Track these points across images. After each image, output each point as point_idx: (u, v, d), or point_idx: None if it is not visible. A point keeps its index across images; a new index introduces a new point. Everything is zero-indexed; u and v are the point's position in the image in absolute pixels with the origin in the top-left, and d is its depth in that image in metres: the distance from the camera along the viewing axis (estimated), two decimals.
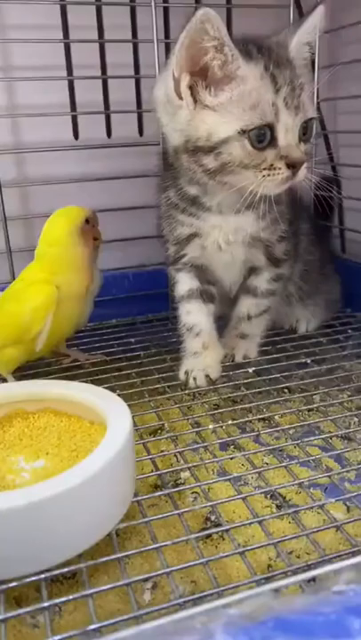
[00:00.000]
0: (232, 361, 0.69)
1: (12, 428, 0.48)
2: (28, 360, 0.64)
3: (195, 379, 0.65)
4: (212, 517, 0.46)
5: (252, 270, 0.68)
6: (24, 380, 0.61)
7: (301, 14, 0.85)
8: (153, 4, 0.74)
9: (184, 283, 0.67)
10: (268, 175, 0.52)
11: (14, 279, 0.78)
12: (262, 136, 0.51)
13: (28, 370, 0.67)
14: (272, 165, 0.52)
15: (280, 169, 0.52)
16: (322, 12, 0.57)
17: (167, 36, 0.80)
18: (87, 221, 0.63)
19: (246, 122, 0.51)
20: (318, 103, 0.87)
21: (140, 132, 0.84)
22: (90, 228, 0.64)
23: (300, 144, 0.53)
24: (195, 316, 0.67)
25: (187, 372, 0.66)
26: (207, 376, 0.65)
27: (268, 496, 0.49)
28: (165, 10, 0.80)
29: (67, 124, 0.81)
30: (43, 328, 0.59)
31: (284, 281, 0.70)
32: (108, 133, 0.83)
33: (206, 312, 0.67)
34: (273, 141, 0.52)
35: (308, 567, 0.38)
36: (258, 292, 0.68)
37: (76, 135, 0.81)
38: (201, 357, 0.66)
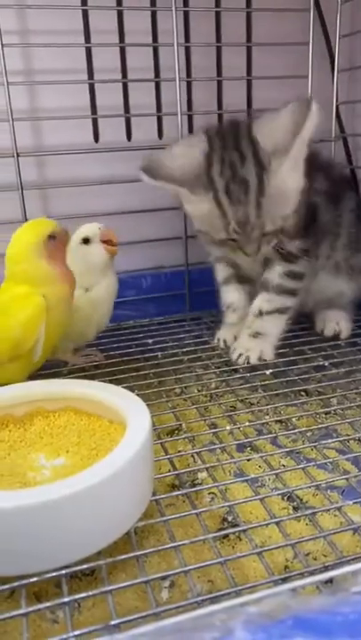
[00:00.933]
0: (247, 363, 0.69)
1: (32, 427, 0.49)
2: (30, 372, 0.61)
3: (229, 345, 0.74)
4: (230, 518, 0.47)
5: (266, 262, 0.70)
6: (44, 380, 0.62)
7: (322, 18, 0.85)
8: (174, 8, 0.75)
9: (220, 271, 0.77)
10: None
11: None
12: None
13: (49, 369, 0.68)
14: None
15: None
16: (315, 115, 0.58)
17: (187, 39, 0.81)
18: (53, 237, 0.58)
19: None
20: (337, 106, 0.87)
21: (160, 134, 0.85)
22: (55, 244, 0.59)
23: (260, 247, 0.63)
24: (231, 295, 0.76)
25: (218, 339, 0.76)
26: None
27: (286, 498, 0.49)
28: (186, 14, 0.80)
29: (87, 127, 0.82)
30: (37, 339, 0.57)
31: (302, 280, 0.71)
32: (128, 136, 0.84)
33: (242, 291, 0.76)
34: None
35: (326, 568, 0.39)
36: (270, 286, 0.70)
37: (96, 138, 0.82)
38: (236, 328, 0.75)
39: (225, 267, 0.76)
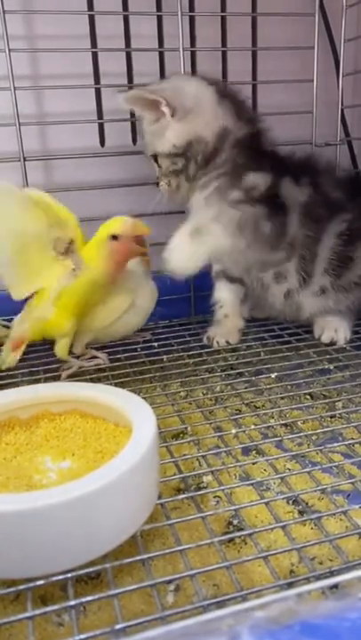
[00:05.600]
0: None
1: (38, 429, 0.49)
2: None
3: (217, 342, 0.77)
4: (235, 521, 0.47)
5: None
6: (50, 382, 0.62)
7: (327, 22, 0.86)
8: (179, 12, 0.75)
9: (214, 264, 0.79)
10: None
11: None
12: None
13: (55, 372, 0.68)
14: None
15: None
16: None
17: (193, 44, 0.81)
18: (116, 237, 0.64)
19: None
20: (342, 110, 0.87)
21: None
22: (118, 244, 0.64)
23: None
24: (219, 292, 0.79)
25: (208, 338, 0.78)
26: (227, 341, 0.77)
27: (291, 501, 0.49)
28: (191, 18, 0.81)
29: (93, 132, 0.82)
30: None
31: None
32: (134, 140, 0.84)
33: (230, 290, 0.78)
34: None
35: (331, 573, 0.39)
36: None
37: (102, 142, 0.83)
38: (222, 324, 0.78)
39: (215, 261, 0.77)
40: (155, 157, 0.73)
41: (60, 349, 0.67)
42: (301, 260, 0.72)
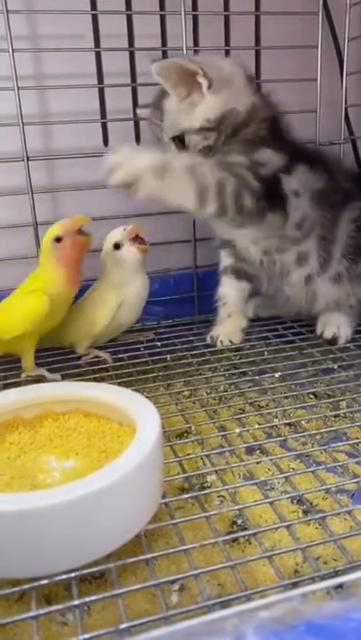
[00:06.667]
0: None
1: (42, 429, 0.49)
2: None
3: (221, 342, 0.76)
4: (239, 521, 0.47)
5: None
6: (54, 382, 0.62)
7: (330, 20, 0.86)
8: (183, 12, 0.75)
9: (222, 259, 0.79)
10: None
11: None
12: None
13: (58, 371, 0.68)
14: None
15: None
16: None
17: (196, 43, 0.81)
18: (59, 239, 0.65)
19: None
20: (346, 109, 0.87)
21: None
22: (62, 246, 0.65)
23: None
24: (223, 288, 0.79)
25: (212, 337, 0.77)
26: (230, 341, 0.76)
27: (295, 501, 0.49)
28: (195, 18, 0.81)
29: (97, 131, 0.82)
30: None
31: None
32: (137, 140, 0.84)
33: (236, 287, 0.78)
34: None
35: (336, 573, 0.38)
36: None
37: (105, 142, 0.83)
38: (225, 324, 0.77)
39: (226, 255, 0.77)
40: (178, 138, 0.70)
41: (25, 364, 0.67)
42: (322, 239, 0.72)
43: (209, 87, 0.67)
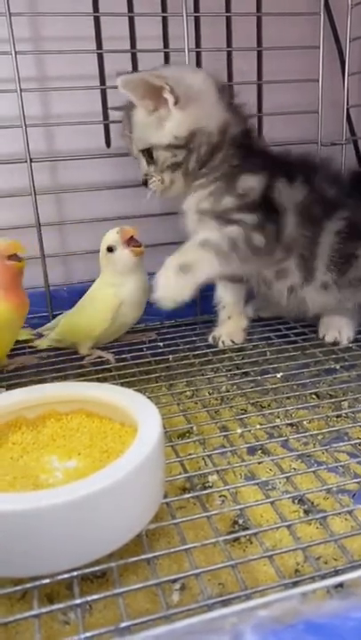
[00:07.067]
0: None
1: (45, 429, 0.50)
2: None
3: (223, 342, 0.77)
4: (240, 521, 0.47)
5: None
6: (57, 382, 0.62)
7: (332, 21, 0.86)
8: (184, 13, 0.76)
9: None
10: None
11: (48, 284, 0.81)
12: None
13: (60, 372, 0.69)
14: None
15: None
16: None
17: (198, 44, 0.82)
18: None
19: None
20: (348, 109, 0.87)
21: None
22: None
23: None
24: (219, 291, 0.80)
25: (214, 337, 0.78)
26: (232, 341, 0.78)
27: (296, 501, 0.49)
28: (196, 19, 0.81)
29: (99, 133, 0.83)
30: None
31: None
32: None
33: (229, 289, 0.79)
34: None
35: (336, 572, 0.39)
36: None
37: (108, 143, 0.83)
38: (226, 324, 0.79)
39: None
40: (147, 152, 0.70)
41: None
42: (301, 258, 0.71)
43: (175, 103, 0.66)
